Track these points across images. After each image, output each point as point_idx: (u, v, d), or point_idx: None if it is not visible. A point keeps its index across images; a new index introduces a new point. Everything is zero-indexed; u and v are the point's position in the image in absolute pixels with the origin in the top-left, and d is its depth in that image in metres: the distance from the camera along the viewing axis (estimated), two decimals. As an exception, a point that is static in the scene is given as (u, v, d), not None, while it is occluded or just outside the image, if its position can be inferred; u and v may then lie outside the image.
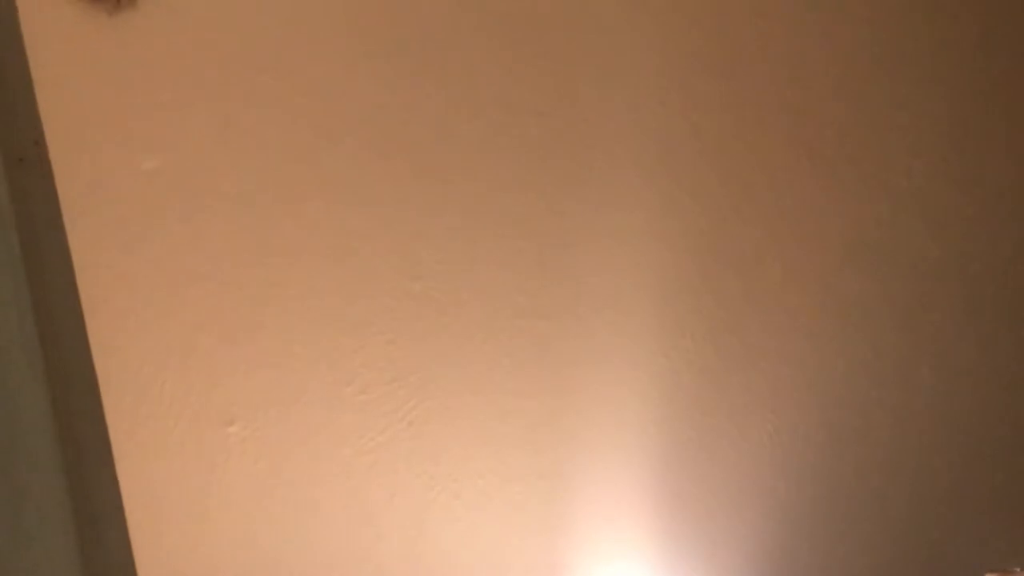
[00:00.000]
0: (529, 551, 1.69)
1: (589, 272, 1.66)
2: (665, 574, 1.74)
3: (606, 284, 1.67)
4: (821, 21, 1.71)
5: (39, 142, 0.65)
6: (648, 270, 1.68)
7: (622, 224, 1.66)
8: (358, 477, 1.61)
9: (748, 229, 1.71)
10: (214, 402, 1.54)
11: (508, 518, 1.67)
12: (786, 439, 1.77)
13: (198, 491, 1.55)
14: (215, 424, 1.54)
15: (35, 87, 0.67)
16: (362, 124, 1.55)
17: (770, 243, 1.72)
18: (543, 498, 1.69)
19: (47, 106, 0.72)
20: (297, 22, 1.51)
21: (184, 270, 1.51)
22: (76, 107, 1.43)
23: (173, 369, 1.52)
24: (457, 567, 1.66)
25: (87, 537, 0.60)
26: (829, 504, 1.81)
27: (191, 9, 1.47)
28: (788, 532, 1.80)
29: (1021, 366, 1.85)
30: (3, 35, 0.61)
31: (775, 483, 1.78)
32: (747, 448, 1.76)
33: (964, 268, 1.81)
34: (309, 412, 1.58)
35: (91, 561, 0.61)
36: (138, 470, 1.49)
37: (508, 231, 1.62)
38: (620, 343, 1.68)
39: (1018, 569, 1.71)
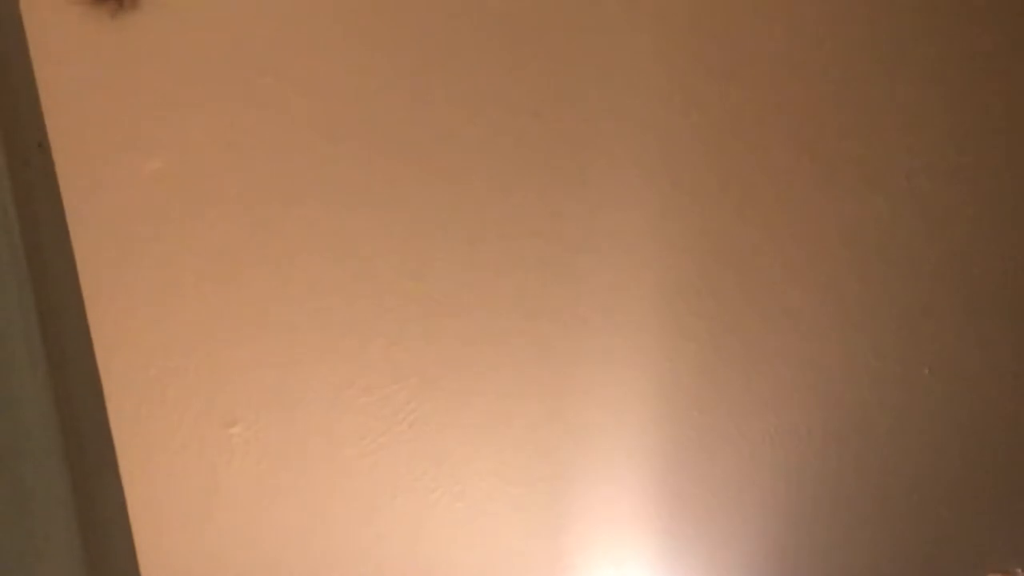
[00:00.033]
0: (530, 553, 1.69)
1: (590, 273, 1.66)
2: (666, 575, 1.74)
3: (607, 285, 1.67)
4: (821, 22, 1.71)
5: (43, 144, 0.65)
6: (648, 271, 1.68)
7: (623, 225, 1.67)
8: (360, 478, 1.61)
9: (748, 230, 1.71)
10: (216, 403, 1.54)
11: (509, 519, 1.67)
12: (786, 440, 1.77)
13: (200, 492, 1.55)
14: (217, 425, 1.54)
15: (39, 89, 0.68)
16: (364, 126, 1.55)
17: (770, 244, 1.72)
18: (544, 500, 1.69)
19: (50, 108, 0.72)
20: (298, 24, 1.52)
21: (186, 272, 1.51)
22: (79, 109, 1.43)
23: (176, 370, 1.52)
24: (458, 568, 1.66)
25: (91, 538, 0.60)
26: (829, 505, 1.81)
27: (193, 11, 1.47)
28: (789, 533, 1.80)
29: (1021, 367, 1.85)
30: (7, 39, 0.62)
31: (775, 484, 1.78)
32: (747, 449, 1.76)
33: (964, 269, 1.81)
34: (311, 413, 1.58)
35: (95, 562, 0.61)
36: (141, 471, 1.50)
37: (509, 232, 1.62)
38: (621, 344, 1.69)
39: (1019, 570, 1.71)
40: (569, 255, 1.65)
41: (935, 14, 1.75)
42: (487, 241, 1.62)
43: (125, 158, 1.47)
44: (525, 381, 1.65)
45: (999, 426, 1.86)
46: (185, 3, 1.46)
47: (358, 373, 1.59)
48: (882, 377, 1.80)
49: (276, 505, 1.58)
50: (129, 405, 1.50)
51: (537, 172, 1.63)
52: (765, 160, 1.71)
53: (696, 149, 1.68)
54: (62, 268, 0.65)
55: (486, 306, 1.63)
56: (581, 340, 1.67)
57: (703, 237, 1.70)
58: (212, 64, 1.49)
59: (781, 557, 1.80)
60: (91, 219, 1.45)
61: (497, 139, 1.61)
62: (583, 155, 1.64)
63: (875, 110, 1.74)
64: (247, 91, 1.50)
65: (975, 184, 1.80)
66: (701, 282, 1.70)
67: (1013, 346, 1.85)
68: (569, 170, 1.64)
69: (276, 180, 1.53)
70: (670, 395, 1.71)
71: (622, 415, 1.70)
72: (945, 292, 1.80)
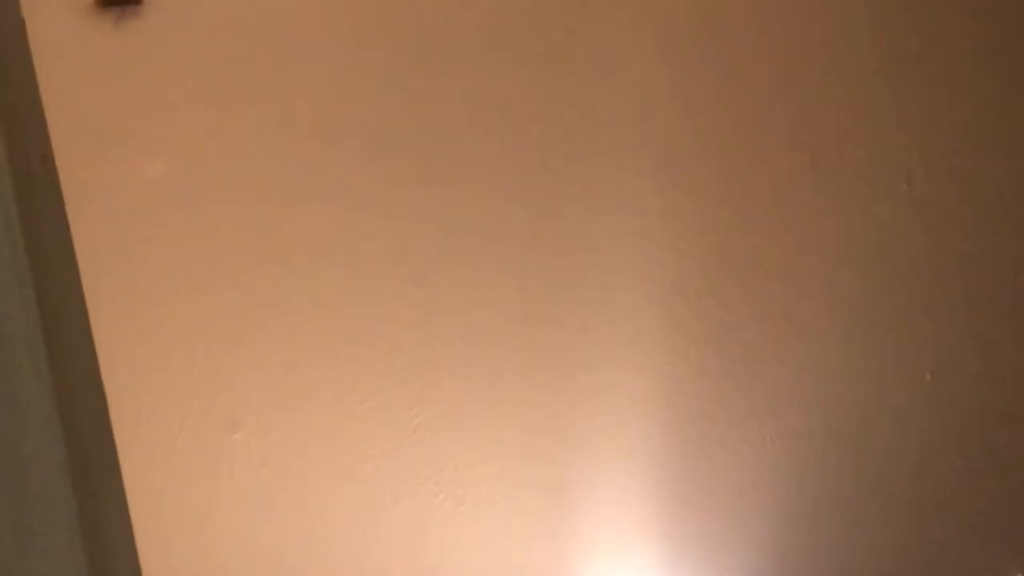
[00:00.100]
0: (533, 557, 1.69)
1: (590, 278, 1.67)
2: (668, 579, 1.74)
3: (607, 289, 1.67)
4: (822, 26, 1.71)
5: (47, 157, 0.65)
6: (649, 274, 1.68)
7: (624, 229, 1.67)
8: (362, 483, 1.61)
9: (749, 233, 1.72)
10: (219, 409, 1.54)
11: (512, 524, 1.67)
12: (787, 443, 1.77)
13: (203, 497, 1.55)
14: (220, 430, 1.54)
15: (42, 96, 0.68)
16: (364, 129, 1.56)
17: (771, 247, 1.73)
18: (546, 504, 1.69)
19: (54, 114, 0.72)
20: (300, 29, 1.52)
21: (188, 275, 1.51)
22: (82, 115, 1.44)
23: (178, 376, 1.52)
24: (461, 573, 1.66)
25: (92, 540, 0.60)
26: (830, 507, 1.81)
27: (195, 17, 1.48)
28: (790, 536, 1.80)
29: (1021, 369, 1.85)
30: (12, 53, 0.62)
31: (776, 487, 1.78)
32: (748, 452, 1.76)
33: (965, 272, 1.81)
34: (313, 419, 1.58)
35: (96, 565, 0.61)
36: (143, 476, 1.50)
37: (510, 236, 1.63)
38: (622, 348, 1.69)
39: (1020, 574, 1.71)
40: (570, 258, 1.65)
41: (936, 17, 1.75)
42: (488, 245, 1.62)
43: (128, 162, 1.47)
44: (527, 385, 1.66)
45: (1000, 428, 1.86)
46: (187, 9, 1.47)
47: (360, 378, 1.59)
48: (883, 380, 1.80)
49: (278, 510, 1.59)
50: (130, 410, 1.50)
51: (538, 175, 1.63)
52: (766, 164, 1.71)
53: (696, 152, 1.68)
54: (66, 280, 0.65)
55: (488, 311, 1.63)
56: (582, 345, 1.67)
57: (703, 240, 1.70)
58: (214, 68, 1.49)
59: (782, 560, 1.80)
60: (93, 222, 1.45)
61: (498, 142, 1.61)
62: (584, 158, 1.64)
63: (875, 113, 1.75)
64: (248, 95, 1.51)
65: (976, 187, 1.80)
66: (702, 285, 1.70)
67: (1014, 349, 1.85)
68: (570, 174, 1.64)
69: (277, 184, 1.53)
70: (671, 398, 1.72)
71: (623, 419, 1.70)
72: (945, 295, 1.81)
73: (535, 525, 1.68)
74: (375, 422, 1.60)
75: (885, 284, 1.78)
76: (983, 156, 1.80)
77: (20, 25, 0.66)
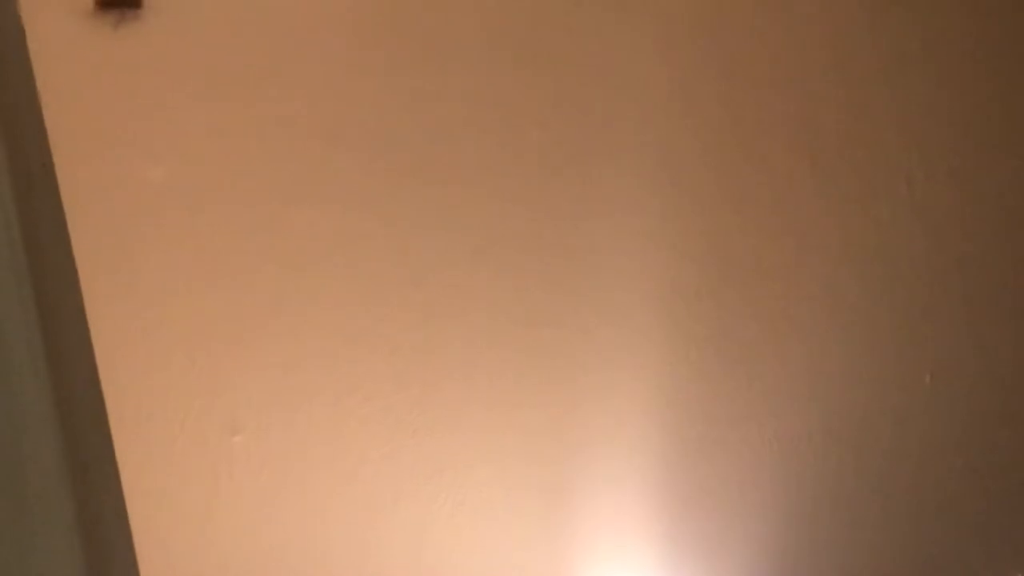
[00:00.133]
0: (532, 558, 1.69)
1: (591, 280, 1.67)
2: (668, 581, 1.74)
3: (608, 292, 1.67)
4: (822, 29, 1.71)
5: (46, 165, 0.66)
6: (650, 277, 1.68)
7: (624, 231, 1.67)
8: (362, 486, 1.61)
9: (749, 234, 1.72)
10: (219, 412, 1.54)
11: (511, 527, 1.68)
12: (787, 444, 1.77)
13: (203, 498, 1.55)
14: (220, 432, 1.55)
15: (42, 98, 0.68)
16: (365, 132, 1.56)
17: (771, 248, 1.73)
18: (546, 505, 1.69)
19: (54, 117, 0.73)
20: (301, 32, 1.52)
21: (189, 278, 1.51)
22: (82, 117, 1.44)
23: (178, 377, 1.52)
24: (461, 574, 1.66)
25: (91, 543, 0.60)
26: (830, 509, 1.81)
27: (194, 20, 1.48)
28: (790, 538, 1.80)
29: (1021, 371, 1.85)
30: (12, 62, 0.62)
31: (776, 489, 1.78)
32: (749, 454, 1.76)
33: (964, 274, 1.81)
34: (313, 422, 1.58)
35: (94, 568, 0.61)
36: (143, 477, 1.50)
37: (510, 240, 1.63)
38: (622, 350, 1.69)
39: (1020, 575, 1.71)
40: (570, 261, 1.65)
41: (936, 19, 1.75)
42: (488, 248, 1.62)
43: (128, 163, 1.47)
44: (527, 388, 1.66)
45: (999, 430, 1.86)
46: (186, 12, 1.47)
47: (360, 380, 1.59)
48: (882, 381, 1.80)
49: (278, 511, 1.59)
50: (130, 411, 1.51)
51: (538, 177, 1.63)
52: (766, 166, 1.71)
53: (696, 153, 1.69)
54: (63, 277, 0.66)
55: (488, 314, 1.63)
56: (582, 346, 1.67)
57: (703, 241, 1.70)
58: (215, 72, 1.49)
59: (782, 561, 1.79)
60: (94, 224, 1.45)
61: (498, 143, 1.61)
62: (584, 159, 1.64)
63: (875, 114, 1.75)
64: (250, 98, 1.51)
65: (975, 188, 1.80)
66: (701, 286, 1.70)
67: (1013, 350, 1.85)
68: (570, 176, 1.64)
69: (277, 186, 1.53)
70: (671, 400, 1.72)
71: (623, 420, 1.70)
72: (945, 297, 1.81)
73: (535, 526, 1.68)
74: (375, 424, 1.60)
75: (885, 285, 1.78)
76: (983, 157, 1.80)
77: (20, 32, 0.66)
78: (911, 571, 1.86)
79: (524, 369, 1.65)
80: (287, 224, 1.54)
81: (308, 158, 1.54)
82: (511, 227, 1.62)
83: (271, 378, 1.56)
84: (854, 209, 1.75)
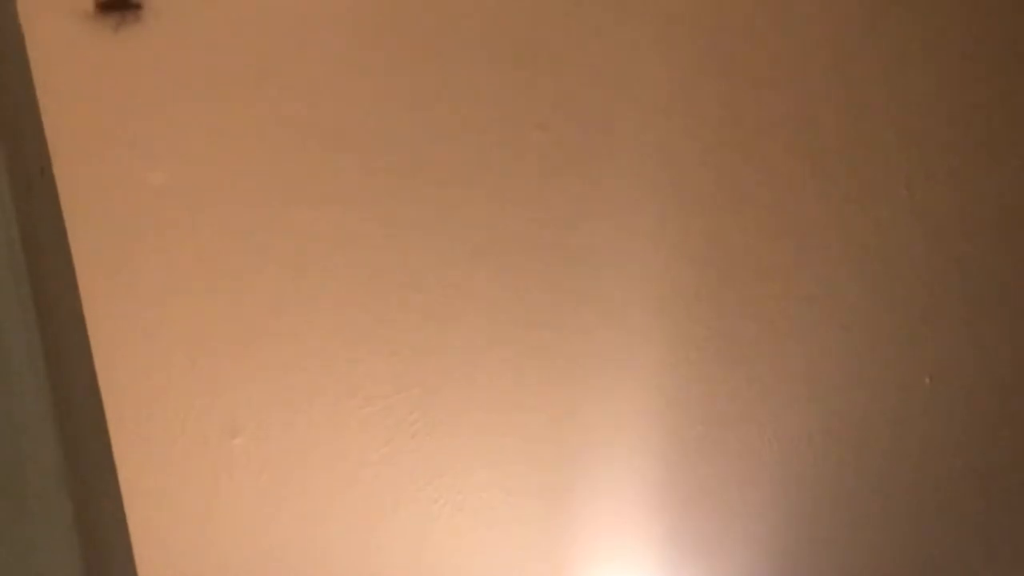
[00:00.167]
0: (532, 563, 1.69)
1: (590, 281, 1.67)
2: (668, 583, 1.74)
3: (607, 293, 1.67)
4: (823, 33, 1.71)
5: (45, 169, 0.66)
6: (650, 280, 1.69)
7: (624, 234, 1.67)
8: (361, 489, 1.61)
9: (749, 237, 1.72)
10: (218, 413, 1.55)
11: (511, 530, 1.68)
12: (787, 446, 1.77)
13: (202, 501, 1.55)
14: (219, 435, 1.55)
15: (41, 103, 0.68)
16: (366, 136, 1.56)
17: (770, 251, 1.73)
18: (546, 509, 1.69)
19: (54, 120, 0.73)
20: (301, 34, 1.53)
21: (189, 281, 1.52)
22: (83, 122, 1.44)
23: (178, 380, 1.52)
24: (461, 577, 1.66)
25: (90, 547, 0.60)
26: (830, 511, 1.81)
27: (195, 23, 1.48)
28: (791, 541, 1.80)
29: (1021, 372, 1.85)
30: (10, 67, 0.62)
31: (776, 491, 1.78)
32: (748, 456, 1.76)
33: (964, 276, 1.81)
34: (313, 424, 1.58)
35: (93, 569, 0.61)
36: (143, 480, 1.50)
37: (510, 242, 1.63)
38: (622, 352, 1.69)
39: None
40: (570, 264, 1.66)
41: (936, 19, 1.75)
42: (488, 251, 1.62)
43: (129, 170, 1.48)
44: (527, 391, 1.66)
45: (1000, 433, 1.86)
46: (187, 14, 1.48)
47: (360, 382, 1.59)
48: (882, 383, 1.80)
49: (277, 515, 1.59)
50: (130, 414, 1.51)
51: (539, 183, 1.63)
52: (766, 168, 1.72)
53: (696, 156, 1.69)
54: (62, 281, 0.66)
55: (487, 317, 1.63)
56: (582, 349, 1.67)
57: (703, 244, 1.70)
58: (215, 74, 1.50)
59: (783, 562, 1.79)
60: (95, 226, 1.45)
61: (498, 148, 1.61)
62: (583, 161, 1.65)
63: (875, 116, 1.75)
64: (250, 100, 1.51)
65: (975, 192, 1.80)
66: (701, 287, 1.71)
67: (1013, 352, 1.85)
68: (569, 179, 1.64)
69: (278, 188, 1.54)
70: (671, 401, 1.72)
71: (623, 422, 1.70)
72: (945, 300, 1.81)
73: (534, 530, 1.68)
74: (375, 427, 1.60)
75: (885, 286, 1.78)
76: (983, 158, 1.80)
77: (19, 37, 0.66)
78: (911, 572, 1.86)
79: (524, 370, 1.65)
80: (287, 225, 1.54)
81: (308, 159, 1.54)
82: (511, 228, 1.62)
83: (271, 379, 1.56)
84: (854, 210, 1.75)
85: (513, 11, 1.59)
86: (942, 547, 1.87)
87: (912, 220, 1.78)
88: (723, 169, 1.70)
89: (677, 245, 1.69)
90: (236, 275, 1.53)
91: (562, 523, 1.70)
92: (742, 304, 1.73)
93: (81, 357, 0.64)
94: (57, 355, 0.59)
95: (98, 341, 0.69)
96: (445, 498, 1.64)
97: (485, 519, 1.66)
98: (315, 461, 1.59)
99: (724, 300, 1.72)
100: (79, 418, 0.61)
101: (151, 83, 1.47)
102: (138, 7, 1.45)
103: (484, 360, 1.63)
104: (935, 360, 1.81)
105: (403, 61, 1.56)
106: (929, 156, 1.77)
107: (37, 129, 0.66)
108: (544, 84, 1.61)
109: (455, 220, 1.60)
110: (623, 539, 1.73)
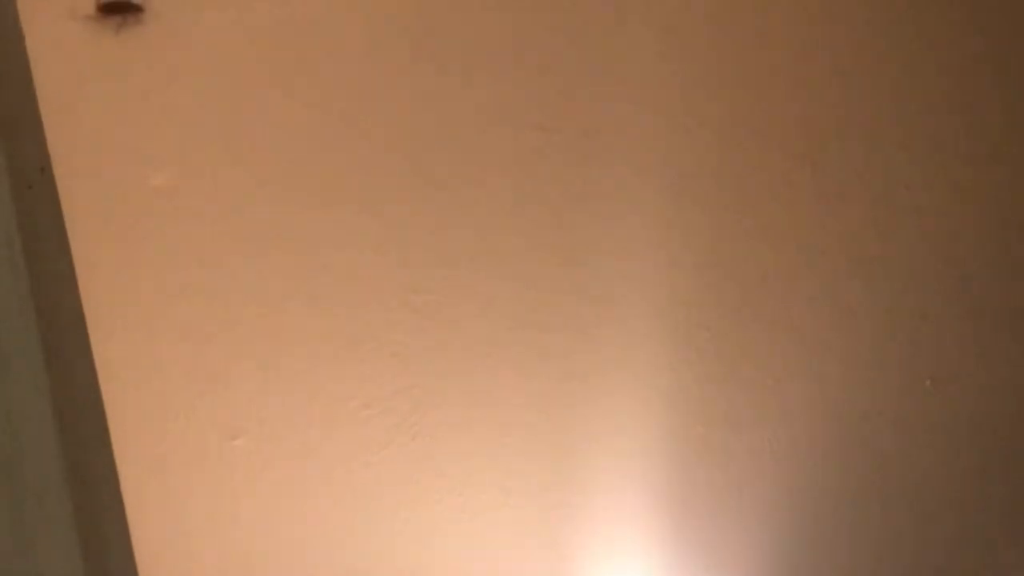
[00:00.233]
0: (533, 563, 1.69)
1: (591, 284, 1.67)
2: (669, 584, 1.74)
3: (609, 296, 1.67)
4: (824, 36, 1.72)
5: (45, 169, 0.66)
6: (651, 282, 1.69)
7: (625, 236, 1.67)
8: (362, 489, 1.61)
9: (751, 240, 1.72)
10: (219, 416, 1.55)
11: (512, 530, 1.68)
12: (788, 448, 1.77)
13: (202, 502, 1.55)
14: (220, 436, 1.55)
15: (42, 105, 0.68)
16: (367, 138, 1.56)
17: (772, 254, 1.73)
18: (547, 510, 1.69)
19: (55, 122, 0.73)
20: (303, 38, 1.53)
21: (189, 282, 1.52)
22: (84, 124, 1.45)
23: (178, 383, 1.53)
24: (461, 578, 1.66)
25: (89, 547, 0.60)
26: (831, 513, 1.81)
27: (196, 25, 1.48)
28: (792, 543, 1.79)
29: (1022, 375, 1.85)
30: (11, 67, 0.63)
31: (778, 494, 1.78)
32: (750, 459, 1.76)
33: (965, 279, 1.81)
34: (314, 425, 1.58)
35: (93, 571, 0.61)
36: (143, 482, 1.50)
37: (511, 244, 1.63)
38: (623, 355, 1.69)
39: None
40: (571, 266, 1.66)
41: (936, 23, 1.75)
42: (489, 253, 1.62)
43: (130, 172, 1.48)
44: (527, 392, 1.66)
45: (1001, 435, 1.86)
46: (189, 17, 1.48)
47: (360, 385, 1.59)
48: (883, 385, 1.80)
49: (277, 516, 1.59)
50: (131, 415, 1.51)
51: (539, 184, 1.63)
52: (767, 171, 1.72)
53: (699, 160, 1.69)
54: (62, 282, 0.66)
55: (488, 318, 1.63)
56: (583, 351, 1.67)
57: (705, 247, 1.70)
58: (217, 77, 1.50)
59: (783, 563, 1.79)
60: (96, 228, 1.46)
61: (500, 150, 1.61)
62: (586, 166, 1.65)
63: (876, 121, 1.75)
64: (252, 104, 1.51)
65: (976, 194, 1.80)
66: (703, 292, 1.70)
67: (1014, 354, 1.85)
68: (572, 181, 1.64)
69: (280, 192, 1.54)
70: (673, 405, 1.72)
71: (624, 423, 1.70)
72: (946, 302, 1.81)
73: (536, 529, 1.68)
74: (375, 428, 1.60)
75: (886, 291, 1.78)
76: (983, 163, 1.80)
77: (19, 37, 0.66)
78: (911, 572, 1.85)
79: (524, 372, 1.65)
80: (287, 226, 1.54)
81: (308, 161, 1.54)
82: (511, 230, 1.62)
83: (271, 380, 1.56)
84: (855, 212, 1.75)
85: (513, 11, 1.60)
86: (943, 549, 1.86)
87: (913, 222, 1.78)
88: (724, 169, 1.70)
89: (678, 245, 1.69)
90: (236, 275, 1.53)
91: (562, 524, 1.70)
92: (743, 306, 1.73)
93: (81, 357, 0.65)
94: (57, 355, 0.59)
95: (98, 341, 0.69)
96: (446, 499, 1.64)
97: (486, 519, 1.66)
98: (316, 462, 1.59)
99: (725, 301, 1.72)
100: (79, 418, 0.61)
101: (151, 84, 1.48)
102: (139, 9, 1.45)
103: (484, 361, 1.63)
104: (936, 362, 1.81)
105: (403, 62, 1.57)
106: (929, 156, 1.77)
107: (37, 129, 0.66)
108: (544, 84, 1.62)
109: (455, 221, 1.60)
110: (623, 539, 1.73)
